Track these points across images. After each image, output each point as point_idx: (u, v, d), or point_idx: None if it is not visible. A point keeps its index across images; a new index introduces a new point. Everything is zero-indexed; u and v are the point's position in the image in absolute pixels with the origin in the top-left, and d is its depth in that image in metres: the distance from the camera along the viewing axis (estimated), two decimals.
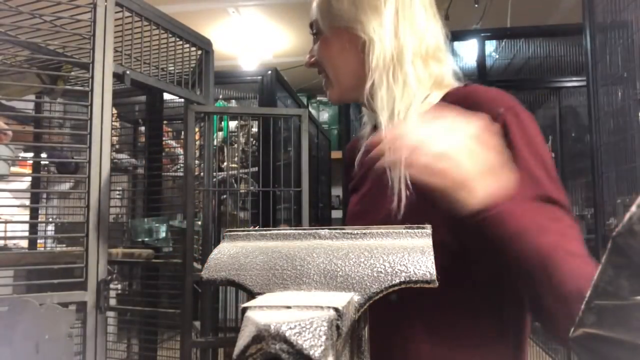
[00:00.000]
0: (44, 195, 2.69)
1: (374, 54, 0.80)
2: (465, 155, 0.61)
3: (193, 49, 1.69)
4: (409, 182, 0.69)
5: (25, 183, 2.84)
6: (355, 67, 0.83)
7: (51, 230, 2.58)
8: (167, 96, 2.33)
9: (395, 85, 0.79)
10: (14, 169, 2.90)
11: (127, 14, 1.36)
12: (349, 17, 0.82)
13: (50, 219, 2.68)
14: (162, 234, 1.83)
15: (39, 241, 2.44)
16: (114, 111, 2.48)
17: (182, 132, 2.53)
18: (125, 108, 2.80)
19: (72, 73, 1.61)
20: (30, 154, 2.60)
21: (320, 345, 0.40)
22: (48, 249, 2.46)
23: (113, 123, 2.12)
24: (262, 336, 0.41)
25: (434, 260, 0.66)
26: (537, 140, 0.74)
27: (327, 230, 0.71)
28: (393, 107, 0.79)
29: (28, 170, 3.10)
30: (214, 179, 1.83)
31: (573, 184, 3.06)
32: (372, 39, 0.80)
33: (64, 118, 2.42)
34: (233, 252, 0.70)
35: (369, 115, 0.93)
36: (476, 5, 3.00)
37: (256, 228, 0.76)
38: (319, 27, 0.85)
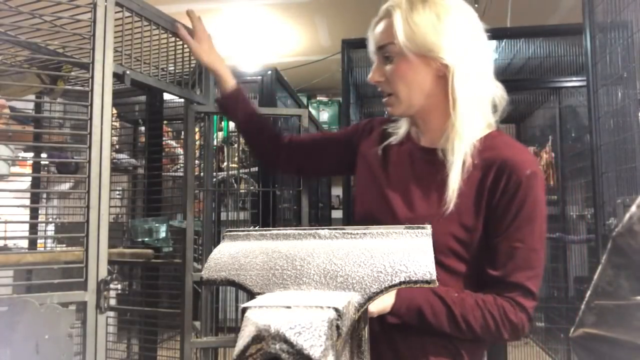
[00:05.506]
0: (44, 195, 2.69)
1: (456, 78, 0.85)
2: None
3: None
4: None
5: (25, 183, 2.84)
6: (428, 88, 0.88)
7: (51, 230, 2.58)
8: (167, 96, 2.32)
9: (469, 114, 0.85)
10: (14, 169, 2.90)
11: (127, 14, 1.36)
12: (431, 42, 0.85)
13: (50, 219, 2.68)
14: (162, 234, 1.84)
15: (39, 241, 2.43)
16: (114, 111, 2.48)
17: (182, 132, 2.53)
18: (125, 108, 2.79)
19: (72, 73, 1.61)
20: (30, 154, 2.60)
21: (320, 345, 0.40)
22: (48, 249, 2.46)
23: (113, 123, 2.12)
24: (262, 336, 0.41)
25: (434, 260, 0.66)
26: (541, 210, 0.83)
27: (327, 230, 0.71)
28: (462, 133, 0.85)
29: (28, 170, 3.10)
30: (214, 179, 1.83)
31: (573, 184, 3.06)
32: (455, 65, 0.85)
33: (64, 118, 2.42)
34: (233, 252, 0.69)
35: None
36: (476, 5, 3.00)
37: (256, 228, 0.76)
38: (394, 50, 0.88)
